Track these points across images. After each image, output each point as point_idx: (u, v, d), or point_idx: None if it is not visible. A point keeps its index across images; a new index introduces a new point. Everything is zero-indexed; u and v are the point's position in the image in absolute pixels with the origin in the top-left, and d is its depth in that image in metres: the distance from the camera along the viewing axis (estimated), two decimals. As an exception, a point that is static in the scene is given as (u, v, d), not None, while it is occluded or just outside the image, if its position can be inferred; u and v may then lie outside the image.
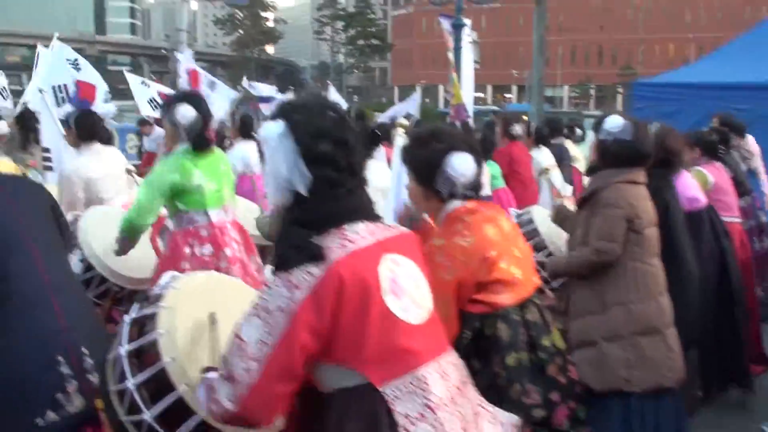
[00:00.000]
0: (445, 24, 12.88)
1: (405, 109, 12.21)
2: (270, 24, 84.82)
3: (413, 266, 2.02)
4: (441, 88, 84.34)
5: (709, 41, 78.01)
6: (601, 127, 3.73)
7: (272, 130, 1.94)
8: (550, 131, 8.30)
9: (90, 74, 7.09)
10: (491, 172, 6.68)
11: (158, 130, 10.90)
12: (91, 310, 3.13)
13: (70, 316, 2.78)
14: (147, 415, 2.21)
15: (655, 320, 3.51)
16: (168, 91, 9.98)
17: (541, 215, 4.54)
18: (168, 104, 4.16)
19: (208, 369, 2.05)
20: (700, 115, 10.93)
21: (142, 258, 4.20)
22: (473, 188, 2.81)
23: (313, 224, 1.91)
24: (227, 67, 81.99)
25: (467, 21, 13.30)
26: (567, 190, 7.69)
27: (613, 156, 3.67)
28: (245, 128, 7.43)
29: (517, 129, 7.52)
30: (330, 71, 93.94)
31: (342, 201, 1.95)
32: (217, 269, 3.91)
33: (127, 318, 2.37)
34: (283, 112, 1.99)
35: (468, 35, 13.21)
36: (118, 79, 14.54)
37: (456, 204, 2.79)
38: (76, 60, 7.34)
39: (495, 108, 42.78)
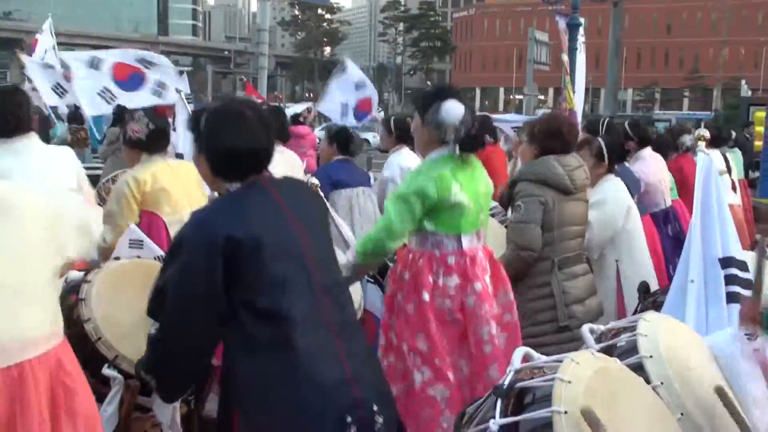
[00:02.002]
0: (561, 23, 12.09)
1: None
2: (334, 25, 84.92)
3: None
4: (501, 90, 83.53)
5: (783, 44, 75.88)
6: None
7: None
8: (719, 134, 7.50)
9: None
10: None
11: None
12: (374, 355, 2.56)
13: (354, 364, 2.25)
14: None
15: None
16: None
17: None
18: (426, 104, 3.33)
19: None
20: None
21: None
22: None
23: None
24: (288, 68, 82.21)
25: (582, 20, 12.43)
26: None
27: None
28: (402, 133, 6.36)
29: (687, 140, 6.73)
30: (388, 73, 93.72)
31: None
32: (463, 306, 3.21)
33: (494, 426, 1.65)
34: None
35: (581, 35, 12.38)
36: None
37: None
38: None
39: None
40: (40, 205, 2.04)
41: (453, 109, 3.18)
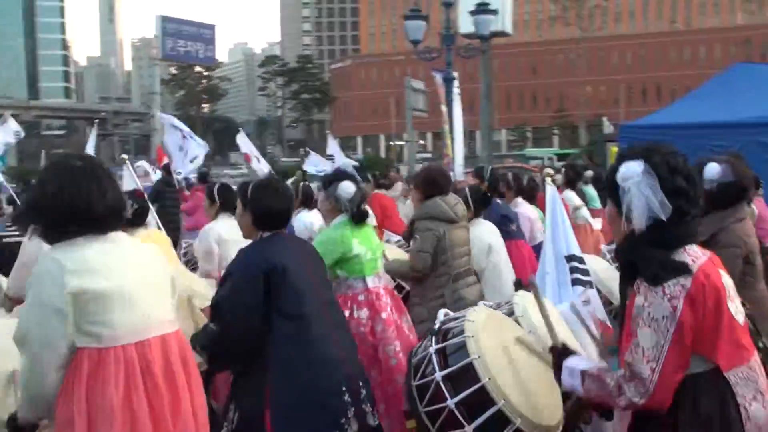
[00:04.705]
0: (437, 78, 13.56)
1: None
2: (213, 81, 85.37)
3: (729, 279, 2.52)
4: (382, 137, 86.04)
5: (638, 81, 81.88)
6: (701, 177, 4.00)
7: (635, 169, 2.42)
8: (576, 175, 9.03)
9: None
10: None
11: None
12: (355, 346, 3.62)
13: (347, 352, 3.39)
14: (469, 428, 2.64)
15: None
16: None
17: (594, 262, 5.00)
18: (329, 181, 4.63)
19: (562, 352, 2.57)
20: (684, 153, 11.82)
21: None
22: None
23: (669, 244, 2.40)
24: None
25: (456, 74, 13.96)
26: (597, 224, 8.45)
27: (720, 200, 4.06)
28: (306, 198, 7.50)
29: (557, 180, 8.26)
30: (270, 126, 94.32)
31: (688, 226, 2.44)
32: (373, 331, 4.37)
33: (432, 349, 2.80)
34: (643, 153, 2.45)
35: (456, 87, 13.89)
36: (52, 144, 14.58)
37: None
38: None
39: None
40: None
41: (347, 188, 4.46)
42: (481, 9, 14.71)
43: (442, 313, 3.03)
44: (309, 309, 3.30)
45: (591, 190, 9.84)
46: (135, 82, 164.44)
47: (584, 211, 8.77)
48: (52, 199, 2.49)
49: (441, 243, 4.91)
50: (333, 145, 13.37)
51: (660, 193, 2.39)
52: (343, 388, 3.23)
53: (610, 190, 2.54)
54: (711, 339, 2.36)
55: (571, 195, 8.71)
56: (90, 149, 11.62)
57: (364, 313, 4.40)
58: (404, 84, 18.41)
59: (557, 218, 4.13)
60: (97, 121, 20.62)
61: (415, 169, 17.17)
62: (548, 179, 5.02)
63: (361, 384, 3.36)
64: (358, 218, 4.49)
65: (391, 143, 75.27)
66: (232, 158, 72.83)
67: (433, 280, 4.91)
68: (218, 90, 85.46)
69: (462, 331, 2.80)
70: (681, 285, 2.33)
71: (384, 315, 4.43)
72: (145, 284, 2.57)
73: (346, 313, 4.36)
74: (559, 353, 2.61)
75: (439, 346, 2.81)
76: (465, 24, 16.94)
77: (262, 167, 11.63)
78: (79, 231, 2.49)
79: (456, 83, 13.88)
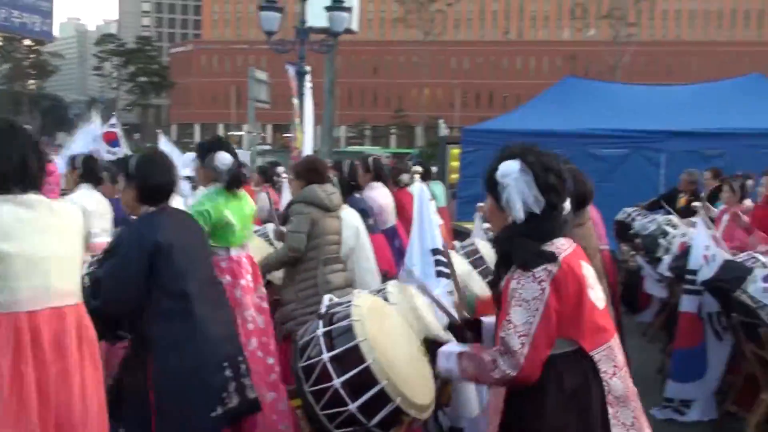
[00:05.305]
0: (291, 71, 13.63)
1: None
2: (43, 57, 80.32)
3: (590, 269, 2.83)
4: (221, 126, 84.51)
5: (473, 87, 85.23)
6: None
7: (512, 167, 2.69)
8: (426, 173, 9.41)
9: None
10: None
11: None
12: (236, 322, 3.76)
13: (227, 329, 3.53)
14: (352, 406, 2.82)
15: None
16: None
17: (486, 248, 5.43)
18: (205, 151, 4.71)
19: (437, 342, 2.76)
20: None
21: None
22: None
23: (541, 236, 2.69)
24: (-10, 101, 76.49)
25: (308, 68, 14.08)
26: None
27: None
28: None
29: (405, 177, 8.55)
30: (100, 107, 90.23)
31: (557, 219, 2.75)
32: (233, 296, 4.50)
33: (319, 332, 2.96)
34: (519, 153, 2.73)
35: (308, 81, 14.03)
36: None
37: None
38: None
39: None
40: None
41: (224, 158, 4.61)
42: (336, 6, 14.91)
43: (327, 298, 3.19)
44: (193, 287, 3.38)
45: (439, 188, 10.26)
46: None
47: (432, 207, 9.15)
48: None
49: (314, 227, 5.11)
50: (165, 143, 12.92)
51: (535, 189, 2.69)
52: (225, 364, 3.37)
53: (490, 186, 2.81)
54: (574, 323, 2.67)
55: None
56: None
57: (227, 278, 4.55)
58: (247, 74, 18.33)
59: (424, 213, 4.39)
60: None
61: (256, 160, 17.18)
62: (416, 176, 5.31)
63: (240, 359, 3.51)
64: (234, 186, 4.64)
65: (230, 133, 74.17)
66: (59, 138, 69.21)
67: (303, 263, 5.10)
68: (48, 66, 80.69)
69: (348, 315, 2.97)
70: (548, 271, 2.63)
71: (243, 282, 4.67)
72: (52, 253, 2.56)
73: None
74: (433, 342, 2.89)
75: (327, 329, 2.97)
76: (314, 18, 17.05)
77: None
78: None
79: (308, 77, 14.02)
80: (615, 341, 2.82)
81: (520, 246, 2.69)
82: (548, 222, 2.74)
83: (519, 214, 2.71)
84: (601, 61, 52.11)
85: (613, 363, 2.75)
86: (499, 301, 2.77)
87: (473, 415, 3.79)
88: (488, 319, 3.03)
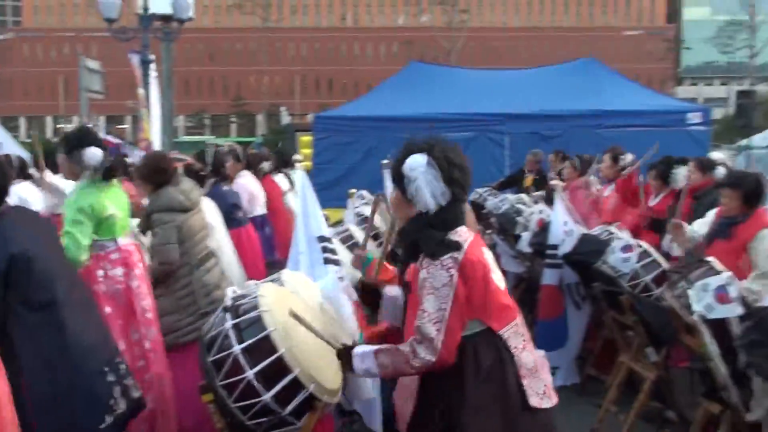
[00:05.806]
0: (134, 60, 13.18)
1: None
2: None
3: (490, 254, 2.99)
4: (49, 118, 79.94)
5: (312, 73, 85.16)
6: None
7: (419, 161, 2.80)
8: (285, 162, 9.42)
9: None
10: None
11: None
12: (106, 322, 3.61)
13: (100, 331, 3.38)
14: (266, 396, 2.84)
15: None
16: None
17: None
18: (73, 146, 4.48)
19: (346, 346, 2.81)
20: (372, 143, 12.89)
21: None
22: None
23: (446, 226, 2.83)
24: None
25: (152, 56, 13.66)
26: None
27: None
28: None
29: (266, 165, 8.52)
30: None
31: (460, 210, 2.91)
32: (129, 288, 4.41)
33: (227, 325, 2.94)
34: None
35: (153, 70, 13.61)
36: None
37: None
38: None
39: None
40: None
41: (93, 155, 4.44)
42: (181, -8, 14.55)
43: (230, 290, 3.16)
44: (60, 292, 3.14)
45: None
46: None
47: (291, 196, 9.12)
48: None
49: (180, 233, 4.95)
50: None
51: (441, 183, 2.81)
52: (106, 369, 3.21)
53: (397, 178, 2.92)
54: (483, 305, 2.85)
55: (280, 179, 9.02)
56: None
57: (119, 270, 4.44)
58: (77, 63, 17.47)
59: (307, 201, 4.42)
60: None
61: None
62: (298, 164, 5.30)
63: (118, 360, 3.37)
64: (109, 178, 4.52)
65: (59, 126, 70.32)
66: None
67: (177, 270, 4.94)
68: None
69: (256, 306, 2.97)
70: (454, 258, 2.79)
71: (137, 271, 4.52)
72: None
73: (100, 273, 4.41)
74: (346, 347, 2.98)
75: (235, 321, 2.95)
76: (155, 4, 16.48)
77: None
78: None
79: (153, 66, 13.61)
80: (520, 318, 3.01)
81: (428, 236, 2.83)
82: (452, 212, 2.89)
83: (429, 205, 2.84)
84: (437, 46, 53.61)
85: (522, 338, 2.95)
86: (406, 287, 2.89)
87: (369, 398, 3.89)
88: (391, 291, 3.15)
